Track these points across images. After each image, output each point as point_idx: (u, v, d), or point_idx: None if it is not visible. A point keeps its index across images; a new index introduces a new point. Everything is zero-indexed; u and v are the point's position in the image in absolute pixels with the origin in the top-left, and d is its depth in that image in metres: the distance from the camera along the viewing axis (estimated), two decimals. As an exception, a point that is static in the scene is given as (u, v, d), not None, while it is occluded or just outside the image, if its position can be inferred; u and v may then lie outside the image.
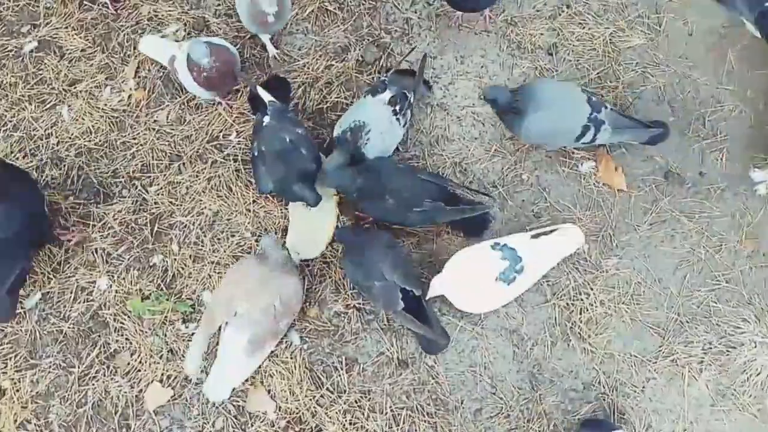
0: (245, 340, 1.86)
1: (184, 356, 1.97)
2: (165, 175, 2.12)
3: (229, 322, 1.86)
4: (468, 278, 1.87)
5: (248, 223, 2.07)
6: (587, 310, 1.96)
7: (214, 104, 2.16)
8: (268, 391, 1.93)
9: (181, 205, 2.10)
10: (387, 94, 2.00)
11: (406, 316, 1.84)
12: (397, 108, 1.99)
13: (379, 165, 1.95)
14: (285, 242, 2.02)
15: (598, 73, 2.15)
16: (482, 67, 2.17)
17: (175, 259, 2.06)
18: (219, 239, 2.07)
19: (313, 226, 1.98)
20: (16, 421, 1.96)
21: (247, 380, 1.94)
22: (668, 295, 1.97)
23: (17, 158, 2.16)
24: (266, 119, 1.96)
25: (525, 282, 1.90)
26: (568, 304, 1.97)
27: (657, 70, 2.14)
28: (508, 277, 1.86)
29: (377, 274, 1.83)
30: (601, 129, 1.90)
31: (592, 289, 1.98)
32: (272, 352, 1.96)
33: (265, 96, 1.99)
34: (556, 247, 1.94)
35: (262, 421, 1.92)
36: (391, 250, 1.89)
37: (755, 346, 1.91)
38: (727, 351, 1.92)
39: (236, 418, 1.93)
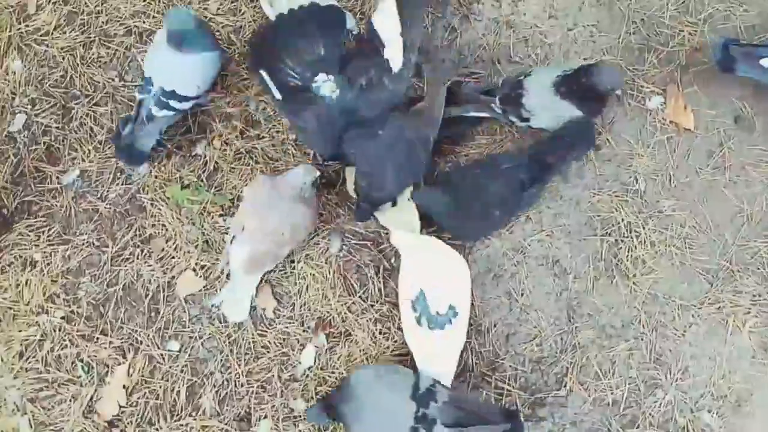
0: (244, 257, 1.80)
1: (220, 248, 1.93)
2: (214, 65, 2.06)
3: (236, 236, 1.81)
4: (418, 262, 1.81)
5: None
6: (636, 248, 1.90)
7: None
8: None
9: (226, 98, 2.04)
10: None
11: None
12: None
13: None
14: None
15: (677, 8, 2.03)
16: (555, -14, 2.06)
17: (216, 152, 2.01)
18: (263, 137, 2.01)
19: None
20: (45, 293, 1.95)
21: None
22: (722, 243, 1.90)
23: (65, 32, 2.10)
24: None
25: (429, 338, 1.78)
26: (617, 240, 1.91)
27: (740, 9, 2.01)
28: (421, 310, 1.78)
29: (497, 201, 1.82)
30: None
31: (644, 228, 1.91)
32: (307, 255, 1.92)
33: None
34: None
35: (289, 320, 1.90)
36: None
37: (807, 303, 1.85)
38: (776, 305, 1.85)
39: (264, 315, 1.90)
